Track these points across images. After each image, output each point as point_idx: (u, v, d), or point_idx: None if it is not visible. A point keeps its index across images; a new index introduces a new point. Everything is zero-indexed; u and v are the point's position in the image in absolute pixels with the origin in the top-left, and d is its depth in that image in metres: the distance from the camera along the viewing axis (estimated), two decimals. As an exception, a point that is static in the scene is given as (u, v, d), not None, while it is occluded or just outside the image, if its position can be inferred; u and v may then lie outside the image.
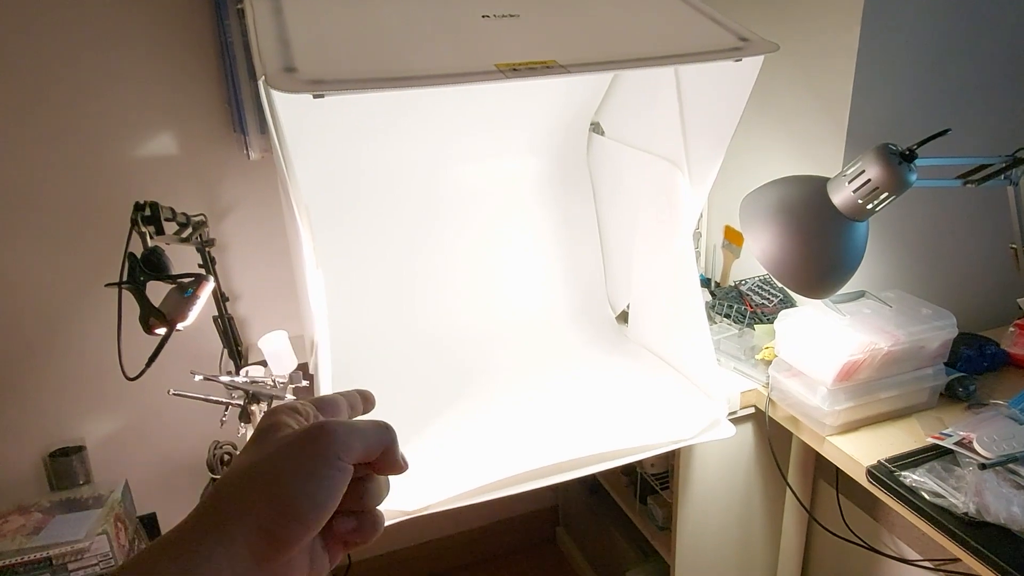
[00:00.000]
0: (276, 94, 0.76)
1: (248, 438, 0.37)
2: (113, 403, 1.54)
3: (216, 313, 1.35)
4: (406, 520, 0.97)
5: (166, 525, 1.70)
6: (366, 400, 0.42)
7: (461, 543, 2.06)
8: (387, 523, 1.05)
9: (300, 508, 0.32)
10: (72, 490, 1.48)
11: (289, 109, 0.93)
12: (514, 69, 0.79)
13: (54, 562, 1.35)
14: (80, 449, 1.51)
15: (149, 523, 1.66)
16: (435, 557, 2.05)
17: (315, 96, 0.71)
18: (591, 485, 1.89)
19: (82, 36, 1.31)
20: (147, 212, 0.97)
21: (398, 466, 0.38)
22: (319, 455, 0.33)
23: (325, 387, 0.99)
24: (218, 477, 1.08)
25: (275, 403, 1.10)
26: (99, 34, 1.32)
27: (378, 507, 0.38)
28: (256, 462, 0.33)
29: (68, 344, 1.47)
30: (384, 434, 0.37)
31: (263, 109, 0.84)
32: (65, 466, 1.49)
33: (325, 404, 0.39)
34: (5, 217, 1.36)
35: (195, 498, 1.13)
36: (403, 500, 0.97)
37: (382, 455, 0.37)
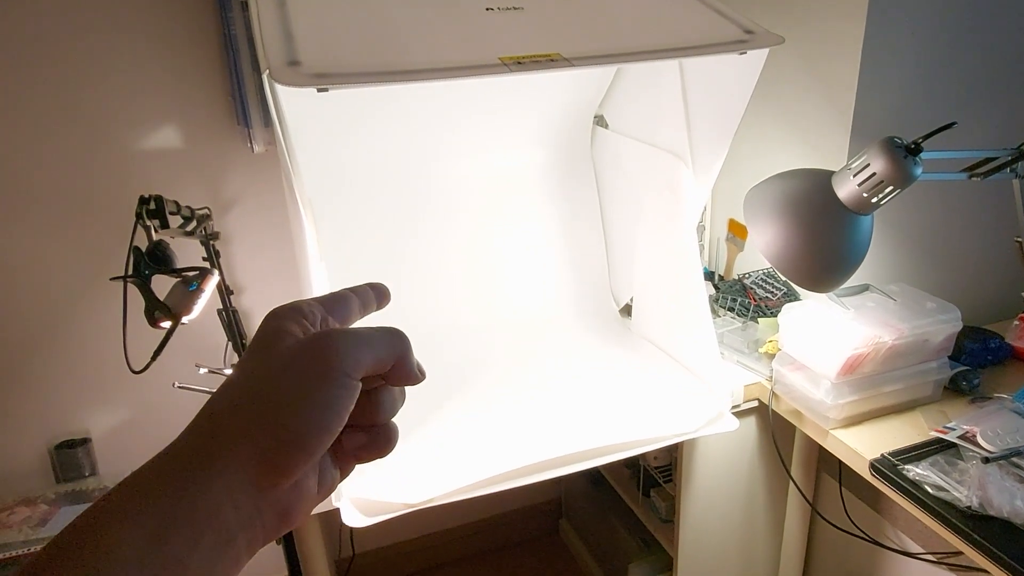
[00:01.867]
0: (280, 88, 0.76)
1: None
2: (118, 395, 1.54)
3: (221, 306, 1.35)
4: (409, 512, 0.98)
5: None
6: (381, 295, 0.38)
7: (464, 536, 2.07)
8: (389, 516, 1.05)
9: (302, 434, 0.29)
10: (78, 482, 1.49)
11: (294, 103, 0.93)
12: (518, 62, 0.79)
13: (61, 553, 1.36)
14: (86, 441, 1.52)
15: (154, 515, 1.67)
16: (438, 549, 2.05)
17: (319, 90, 0.71)
18: (594, 478, 1.90)
19: (86, 29, 1.31)
20: (152, 206, 0.98)
21: (413, 376, 0.34)
22: (322, 373, 0.30)
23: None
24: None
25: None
26: (102, 27, 1.32)
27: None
28: (254, 378, 0.30)
29: (73, 337, 1.48)
30: (396, 342, 0.33)
31: (267, 102, 0.83)
32: (71, 458, 1.50)
33: (335, 303, 0.36)
34: (10, 211, 1.37)
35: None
36: (406, 493, 0.98)
37: (395, 366, 0.33)
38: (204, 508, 0.27)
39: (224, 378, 1.05)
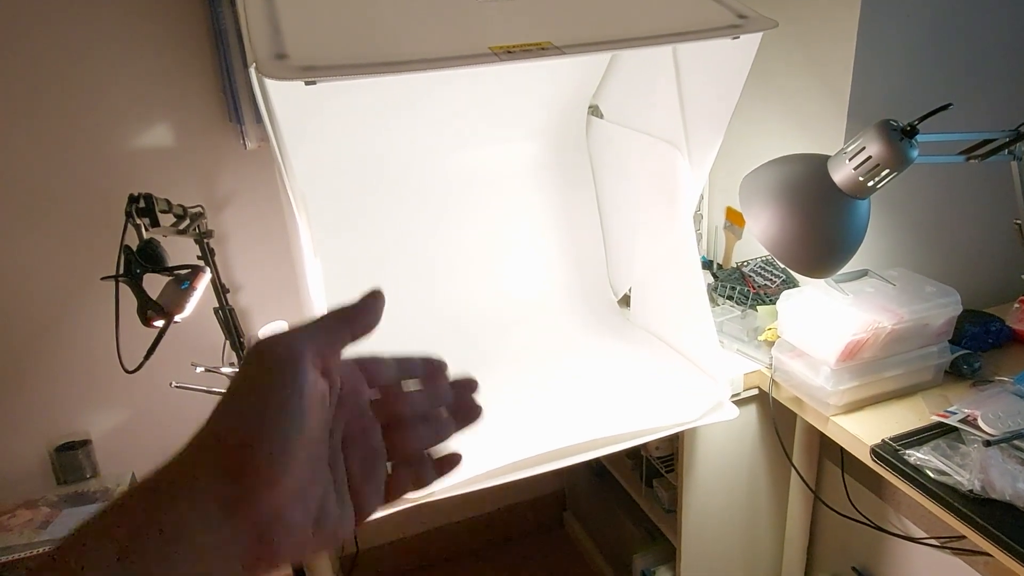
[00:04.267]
0: (269, 81, 0.75)
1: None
2: (118, 396, 1.54)
3: (217, 304, 1.35)
4: (412, 507, 0.97)
5: (174, 516, 1.71)
6: (371, 314, 0.35)
7: (468, 529, 2.07)
8: (392, 511, 1.04)
9: (251, 436, 0.28)
10: (79, 484, 1.48)
11: (284, 97, 0.92)
12: (509, 52, 0.78)
13: (63, 555, 1.36)
14: (86, 443, 1.51)
15: (157, 515, 1.67)
16: (442, 544, 2.06)
17: (307, 83, 0.71)
18: (597, 469, 1.90)
19: (73, 26, 1.30)
20: (141, 204, 0.97)
21: (384, 375, 0.33)
22: (263, 384, 0.29)
23: (326, 376, 0.98)
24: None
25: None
26: (90, 24, 1.30)
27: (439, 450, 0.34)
28: (218, 411, 0.30)
29: (72, 338, 1.47)
30: (336, 325, 0.32)
31: (256, 98, 0.83)
32: (71, 460, 1.49)
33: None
34: (4, 212, 1.36)
35: (200, 489, 1.13)
36: (407, 487, 0.97)
37: (369, 367, 0.32)
38: (171, 524, 0.27)
39: (221, 376, 1.05)
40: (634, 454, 1.64)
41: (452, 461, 0.36)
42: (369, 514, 0.33)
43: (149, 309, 0.93)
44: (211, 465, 0.28)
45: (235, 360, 1.37)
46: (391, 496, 0.34)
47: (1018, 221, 1.09)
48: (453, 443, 0.36)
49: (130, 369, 0.99)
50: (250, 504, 0.28)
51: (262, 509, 0.29)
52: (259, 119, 1.36)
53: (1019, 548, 0.84)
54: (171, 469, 0.29)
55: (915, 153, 0.93)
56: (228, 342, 1.41)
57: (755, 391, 1.28)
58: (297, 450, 0.29)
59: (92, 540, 0.26)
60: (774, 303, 1.22)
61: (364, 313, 0.34)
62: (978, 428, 0.98)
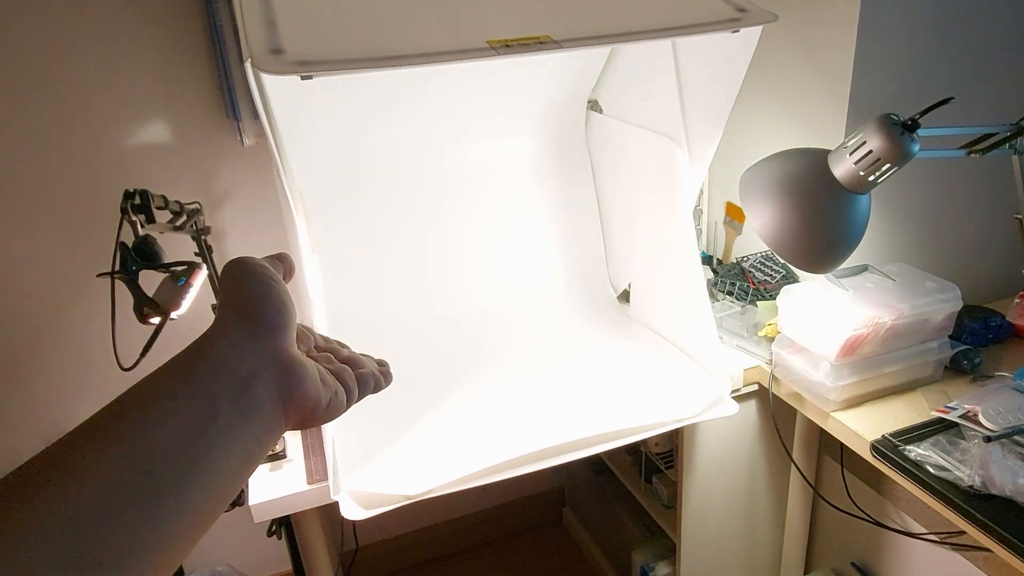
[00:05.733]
0: (265, 77, 0.74)
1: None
2: (114, 394, 1.51)
3: (215, 301, 1.34)
4: (411, 504, 0.97)
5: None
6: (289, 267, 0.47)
7: (468, 526, 2.07)
8: (388, 509, 1.04)
9: (255, 294, 0.39)
10: (78, 481, 1.48)
11: (281, 92, 0.91)
12: (506, 45, 0.77)
13: (61, 552, 1.35)
14: (84, 440, 1.51)
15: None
16: (442, 540, 2.06)
17: (303, 78, 0.70)
18: (597, 466, 1.89)
19: (69, 23, 1.29)
20: (137, 200, 0.96)
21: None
22: (251, 273, 0.41)
23: (324, 373, 0.98)
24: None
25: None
26: (86, 20, 1.30)
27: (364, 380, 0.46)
28: (225, 297, 0.40)
29: (68, 335, 1.47)
30: (279, 260, 0.44)
31: (253, 93, 0.82)
32: (70, 457, 1.49)
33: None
34: (2, 209, 1.36)
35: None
36: (405, 485, 0.97)
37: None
38: (213, 354, 0.37)
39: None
40: (633, 450, 1.64)
41: (389, 375, 0.48)
42: (352, 397, 0.44)
43: (145, 306, 0.92)
44: (234, 317, 0.38)
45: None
46: (363, 390, 0.45)
47: (1019, 216, 1.08)
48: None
49: (126, 367, 0.99)
50: (267, 337, 0.38)
51: (279, 343, 0.39)
52: (256, 115, 1.35)
53: (1019, 544, 0.84)
54: (209, 332, 0.38)
55: (916, 147, 0.92)
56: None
57: (755, 387, 1.28)
58: (290, 315, 0.40)
59: (156, 375, 0.36)
60: (774, 299, 1.22)
61: (288, 261, 0.45)
62: (978, 424, 0.97)
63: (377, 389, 0.47)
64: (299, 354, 0.41)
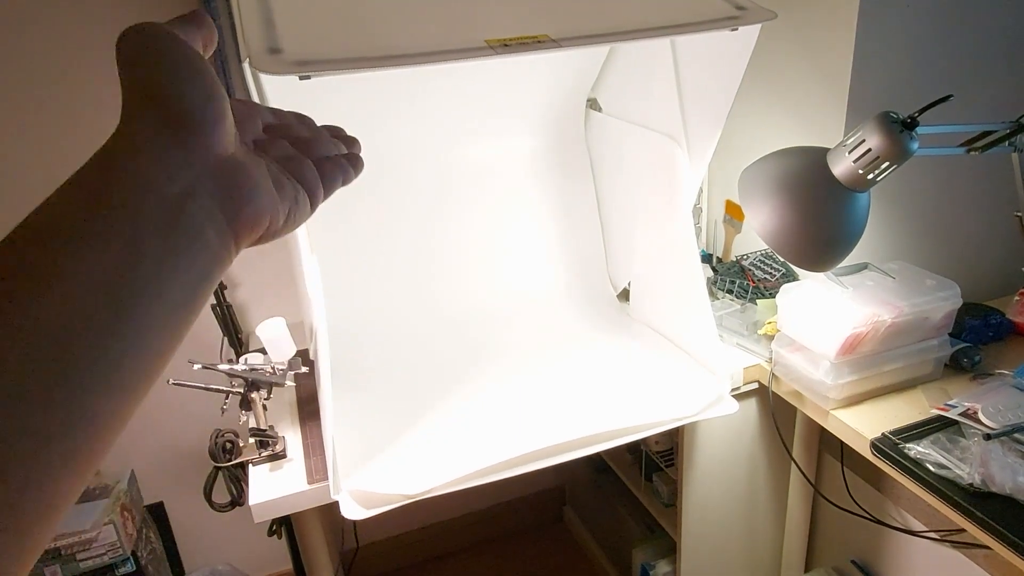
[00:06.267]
0: (263, 77, 0.74)
1: (248, 425, 0.35)
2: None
3: (214, 301, 1.34)
4: (411, 503, 0.97)
5: (173, 513, 1.71)
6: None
7: (468, 525, 2.07)
8: (388, 508, 1.03)
9: (191, 103, 0.30)
10: (78, 481, 1.48)
11: (279, 92, 0.91)
12: (505, 45, 0.77)
13: (62, 552, 1.36)
14: (84, 440, 1.51)
15: (156, 512, 1.67)
16: (442, 539, 2.06)
17: (301, 77, 0.70)
18: (597, 464, 1.89)
19: (68, 22, 1.29)
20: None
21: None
22: (158, 49, 0.30)
23: (324, 373, 0.98)
24: (221, 466, 1.08)
25: (275, 390, 1.10)
26: (85, 20, 1.30)
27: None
28: (132, 83, 0.31)
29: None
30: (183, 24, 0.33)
31: (251, 93, 0.82)
32: (70, 457, 1.49)
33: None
34: (2, 213, 1.36)
35: (201, 486, 1.13)
36: (405, 484, 0.97)
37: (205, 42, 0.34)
38: (127, 174, 0.28)
39: (219, 373, 1.03)
40: (634, 449, 1.64)
41: (359, 160, 0.39)
42: (317, 199, 0.36)
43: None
44: (149, 119, 0.29)
45: (233, 357, 1.37)
46: (329, 187, 0.37)
47: (1019, 213, 1.08)
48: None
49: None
50: (199, 141, 0.29)
51: (214, 147, 0.30)
52: (255, 114, 1.35)
53: (1019, 542, 0.84)
54: (116, 140, 0.29)
55: (915, 145, 0.92)
56: (226, 339, 1.40)
57: (755, 385, 1.28)
58: (223, 104, 0.30)
59: (57, 198, 0.28)
60: (774, 297, 1.22)
61: (204, 22, 0.34)
62: (978, 421, 0.97)
63: (346, 182, 0.38)
64: (242, 154, 0.32)
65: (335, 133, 0.41)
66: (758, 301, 1.34)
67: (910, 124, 0.92)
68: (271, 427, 1.10)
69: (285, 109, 0.40)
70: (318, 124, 0.42)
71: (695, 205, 1.48)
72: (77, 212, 0.27)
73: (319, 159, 0.37)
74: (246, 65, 0.72)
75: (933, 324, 1.12)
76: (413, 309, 1.41)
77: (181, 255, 0.28)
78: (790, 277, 1.35)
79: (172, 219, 0.28)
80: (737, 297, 1.38)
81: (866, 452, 1.04)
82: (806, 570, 1.55)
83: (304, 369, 1.12)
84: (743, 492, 1.42)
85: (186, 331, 0.30)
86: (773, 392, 1.23)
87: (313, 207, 0.36)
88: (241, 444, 1.10)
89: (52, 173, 1.41)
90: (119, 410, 0.27)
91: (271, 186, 0.33)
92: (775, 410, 1.31)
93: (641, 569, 1.66)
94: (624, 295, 1.50)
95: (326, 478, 1.04)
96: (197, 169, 0.29)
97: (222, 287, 1.35)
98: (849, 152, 0.94)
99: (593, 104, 1.44)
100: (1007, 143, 1.00)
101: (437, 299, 1.43)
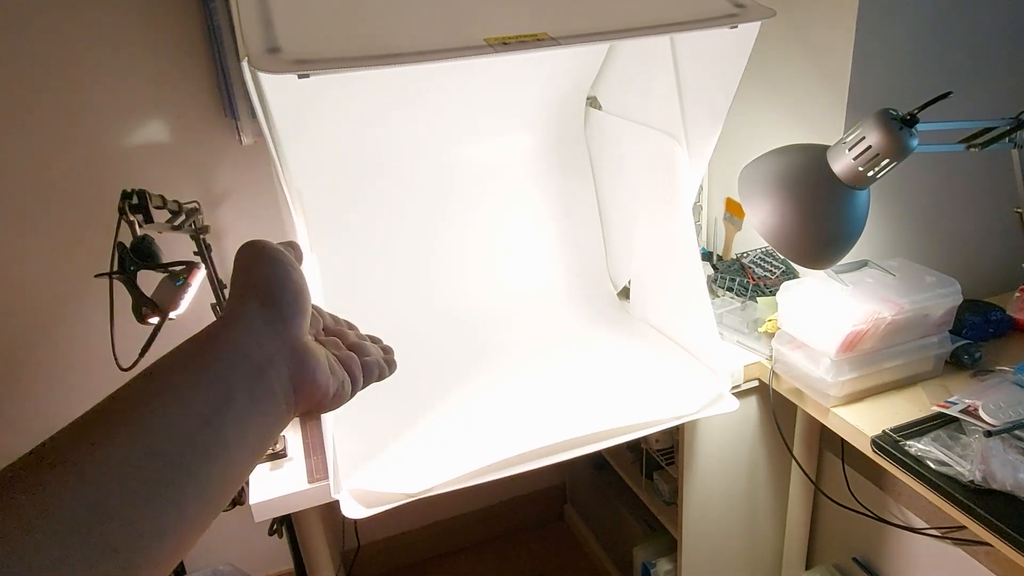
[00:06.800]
0: (262, 76, 0.74)
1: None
2: (116, 394, 1.53)
3: (214, 300, 1.34)
4: (412, 502, 0.97)
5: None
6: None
7: (469, 523, 2.07)
8: (388, 507, 1.04)
9: (275, 281, 0.40)
10: (79, 481, 1.48)
11: (278, 91, 0.91)
12: (504, 43, 0.77)
13: (63, 553, 1.35)
14: (85, 440, 1.51)
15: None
16: (444, 538, 2.06)
17: (300, 76, 0.70)
18: (597, 462, 1.89)
19: (67, 22, 1.29)
20: (135, 200, 0.96)
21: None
22: (269, 259, 0.41)
23: (324, 372, 0.98)
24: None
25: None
26: (84, 20, 1.29)
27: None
28: (242, 278, 0.41)
29: (67, 336, 1.47)
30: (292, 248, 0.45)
31: (250, 92, 0.82)
32: (71, 457, 1.49)
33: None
34: (1, 210, 1.36)
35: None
36: (405, 483, 0.97)
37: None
38: (230, 340, 0.37)
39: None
40: (634, 447, 1.64)
41: (393, 363, 0.50)
42: (357, 386, 0.45)
43: (144, 306, 0.92)
44: (254, 303, 0.39)
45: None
46: (367, 379, 0.46)
47: (1019, 209, 1.08)
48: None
49: (126, 367, 0.99)
50: (285, 325, 0.39)
51: (294, 332, 0.40)
52: (254, 114, 1.35)
53: (1020, 538, 0.84)
54: (221, 320, 0.38)
55: (915, 142, 0.92)
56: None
57: (755, 383, 1.28)
58: (307, 303, 0.41)
59: (167, 357, 0.36)
60: (774, 294, 1.22)
61: (298, 249, 0.46)
62: (979, 418, 0.97)
63: (381, 378, 0.47)
64: (312, 342, 0.41)
65: (374, 340, 0.52)
66: (758, 299, 1.34)
67: (910, 121, 0.92)
68: (271, 426, 1.09)
69: (341, 317, 0.51)
70: (358, 317, 0.53)
71: (695, 203, 1.48)
72: (187, 363, 0.36)
73: (363, 359, 0.47)
74: (245, 64, 0.72)
75: (933, 321, 1.12)
76: (413, 308, 1.41)
77: (257, 407, 0.36)
78: (790, 275, 1.35)
79: (255, 379, 0.37)
80: (737, 295, 1.38)
81: (867, 449, 1.04)
82: (807, 567, 1.55)
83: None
84: (744, 490, 1.42)
85: (248, 474, 0.37)
86: (773, 390, 1.23)
87: (353, 392, 0.44)
88: (241, 444, 1.10)
89: (52, 173, 1.42)
90: (195, 523, 0.33)
91: (327, 370, 0.42)
92: (775, 408, 1.31)
93: (642, 567, 1.66)
94: (624, 293, 1.50)
95: (327, 477, 1.04)
96: (280, 346, 0.39)
97: (221, 286, 1.34)
98: (849, 149, 0.94)
99: (593, 102, 1.44)
100: (1007, 139, 1.00)
101: (437, 298, 1.42)
